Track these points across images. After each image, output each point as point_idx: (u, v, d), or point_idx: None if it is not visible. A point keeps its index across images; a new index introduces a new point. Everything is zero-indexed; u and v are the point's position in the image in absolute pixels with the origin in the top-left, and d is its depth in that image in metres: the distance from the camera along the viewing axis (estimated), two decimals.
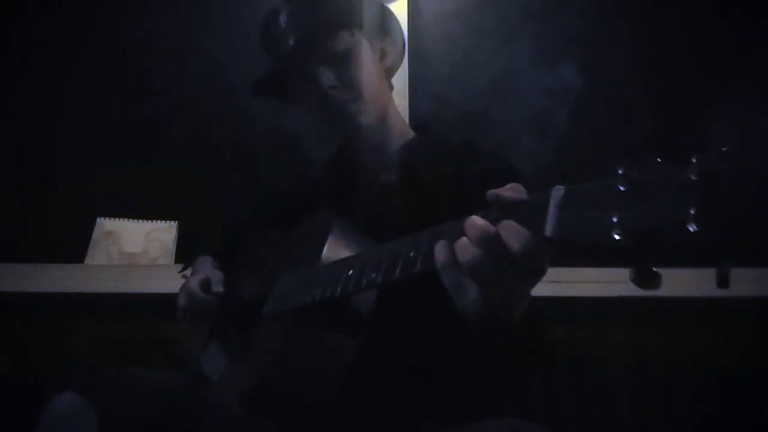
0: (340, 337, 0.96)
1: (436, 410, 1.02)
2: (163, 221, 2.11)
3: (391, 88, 1.29)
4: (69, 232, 2.11)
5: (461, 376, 1.05)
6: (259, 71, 1.25)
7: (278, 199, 1.43)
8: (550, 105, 2.23)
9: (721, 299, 1.73)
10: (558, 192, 0.62)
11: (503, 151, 1.25)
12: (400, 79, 1.95)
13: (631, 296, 1.72)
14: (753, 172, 0.50)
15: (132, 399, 0.84)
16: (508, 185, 0.71)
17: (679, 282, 1.61)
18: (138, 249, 2.08)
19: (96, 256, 2.06)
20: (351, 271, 0.89)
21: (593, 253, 0.58)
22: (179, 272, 1.46)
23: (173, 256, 2.08)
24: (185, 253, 2.00)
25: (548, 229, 0.62)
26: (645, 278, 0.56)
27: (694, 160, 0.51)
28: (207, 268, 1.31)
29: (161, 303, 1.37)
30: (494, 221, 0.69)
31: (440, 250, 0.73)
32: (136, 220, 2.10)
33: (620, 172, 0.56)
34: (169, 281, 1.46)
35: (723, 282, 0.52)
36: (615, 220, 0.55)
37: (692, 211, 0.50)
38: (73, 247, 2.05)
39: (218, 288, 1.24)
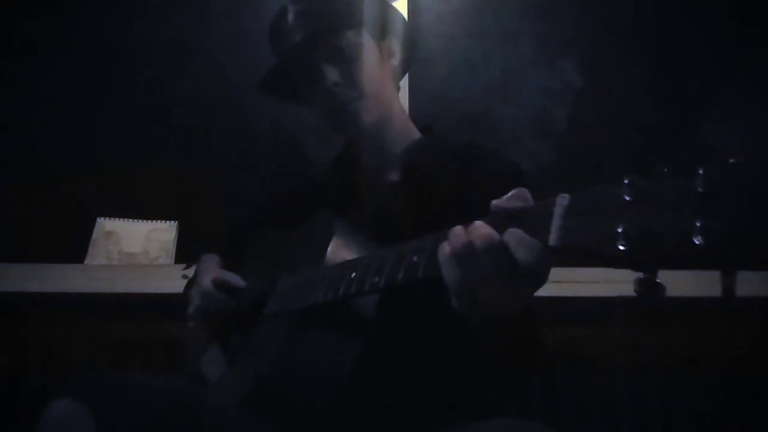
0: (341, 338, 0.96)
1: (437, 411, 1.02)
2: (163, 221, 2.11)
3: (398, 88, 1.28)
4: (69, 232, 2.11)
5: (461, 378, 1.06)
6: (259, 71, 1.24)
7: (280, 200, 1.42)
8: (550, 105, 2.23)
9: (721, 299, 1.73)
10: (563, 200, 0.62)
11: (504, 152, 1.24)
12: None
13: (631, 296, 1.71)
14: (760, 183, 0.49)
15: (129, 404, 0.84)
16: (513, 191, 0.70)
17: (680, 282, 1.60)
18: (138, 249, 2.08)
19: (96, 256, 2.05)
20: (354, 274, 0.89)
21: (597, 262, 0.58)
22: (182, 270, 1.44)
23: (173, 256, 2.08)
24: (185, 253, 2.00)
25: (552, 239, 0.62)
26: (648, 289, 0.56)
27: (701, 171, 0.51)
28: (215, 268, 1.28)
29: (161, 303, 1.37)
30: (499, 227, 0.68)
31: (444, 256, 0.73)
32: (136, 220, 2.10)
33: (626, 181, 0.55)
34: (169, 281, 1.46)
35: (728, 292, 0.52)
36: (620, 230, 0.55)
37: (698, 223, 0.50)
38: (73, 247, 2.05)
39: (239, 283, 1.20)
